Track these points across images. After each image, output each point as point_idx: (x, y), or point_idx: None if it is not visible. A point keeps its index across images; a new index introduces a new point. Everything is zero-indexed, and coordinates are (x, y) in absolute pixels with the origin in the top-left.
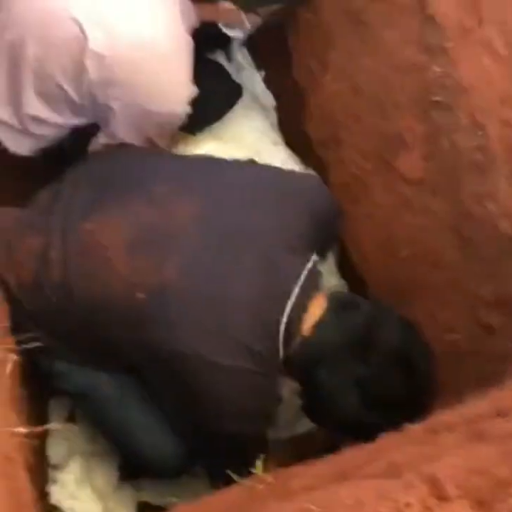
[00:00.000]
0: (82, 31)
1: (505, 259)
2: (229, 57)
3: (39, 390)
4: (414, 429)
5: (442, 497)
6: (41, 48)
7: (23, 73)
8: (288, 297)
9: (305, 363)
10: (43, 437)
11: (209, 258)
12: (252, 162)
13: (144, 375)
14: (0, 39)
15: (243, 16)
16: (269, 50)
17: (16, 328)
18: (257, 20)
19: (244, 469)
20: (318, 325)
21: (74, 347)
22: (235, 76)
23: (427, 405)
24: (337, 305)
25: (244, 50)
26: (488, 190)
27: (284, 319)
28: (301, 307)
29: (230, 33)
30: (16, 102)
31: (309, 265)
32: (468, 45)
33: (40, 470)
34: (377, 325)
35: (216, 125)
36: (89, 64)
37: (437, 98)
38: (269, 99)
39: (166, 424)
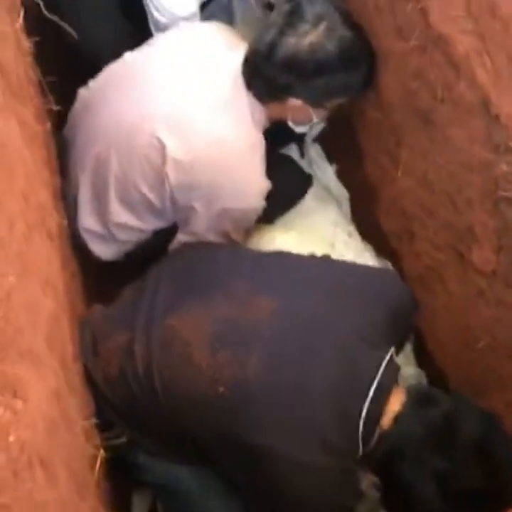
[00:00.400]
0: (161, 141)
1: None
2: (302, 153)
3: (123, 481)
4: None
5: None
6: (125, 159)
7: (108, 184)
8: (367, 391)
9: (385, 457)
10: None
11: (289, 353)
12: (326, 257)
13: (227, 468)
14: (84, 154)
15: (311, 111)
16: (340, 144)
17: (103, 423)
18: (325, 114)
19: None
20: (398, 418)
21: (158, 440)
22: (307, 169)
23: (509, 498)
24: (416, 398)
25: (317, 145)
26: None
27: (364, 413)
28: (380, 401)
29: (298, 129)
30: (101, 211)
31: (387, 359)
32: None
33: None
34: (456, 417)
35: (291, 217)
36: (170, 171)
37: (506, 194)
38: (342, 192)
39: None
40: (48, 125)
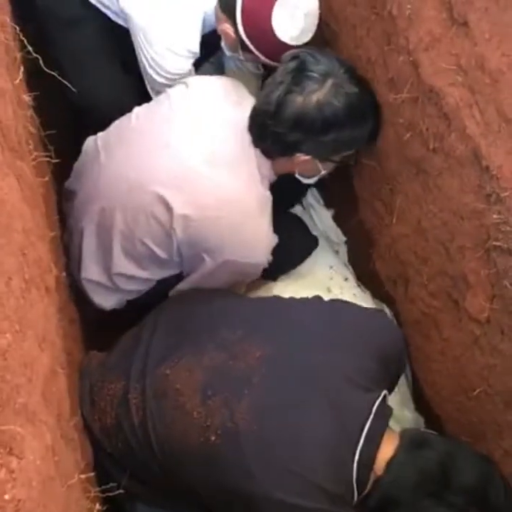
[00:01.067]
0: (165, 199)
1: None
2: (303, 204)
3: None
4: None
5: None
6: (129, 216)
7: (113, 237)
8: (359, 435)
9: (379, 503)
10: None
11: (280, 400)
12: (318, 298)
13: None
14: (88, 208)
15: (319, 164)
16: (337, 190)
17: (101, 475)
18: (333, 167)
19: None
20: (391, 463)
21: (156, 490)
22: (306, 218)
23: None
24: (409, 442)
25: (314, 190)
26: None
27: (356, 459)
28: (371, 447)
29: (305, 181)
30: (105, 262)
31: (377, 403)
32: None
33: None
34: (452, 462)
35: None
36: (178, 227)
37: (497, 243)
38: (339, 236)
39: None
40: (48, 177)
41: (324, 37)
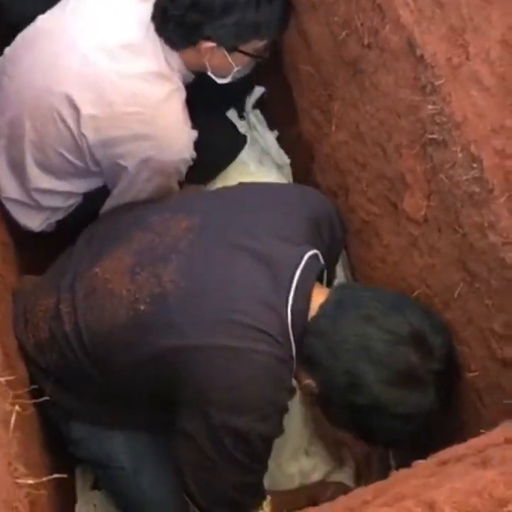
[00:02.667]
0: (73, 100)
1: (511, 290)
2: (241, 116)
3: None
4: (425, 463)
5: None
6: (38, 122)
7: (25, 149)
8: (290, 283)
9: (315, 338)
10: (72, 503)
11: (208, 257)
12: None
13: (158, 405)
14: (1, 120)
15: (228, 56)
16: (280, 110)
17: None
18: (245, 61)
19: None
20: (323, 306)
21: (90, 402)
22: (247, 134)
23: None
24: (343, 292)
25: (257, 111)
26: (489, 221)
27: (290, 302)
28: (304, 291)
29: (219, 80)
30: (21, 178)
31: (309, 254)
32: (458, 80)
33: None
34: (393, 309)
35: (232, 182)
36: (86, 130)
37: (433, 136)
38: (282, 157)
39: (179, 497)
40: None
41: None
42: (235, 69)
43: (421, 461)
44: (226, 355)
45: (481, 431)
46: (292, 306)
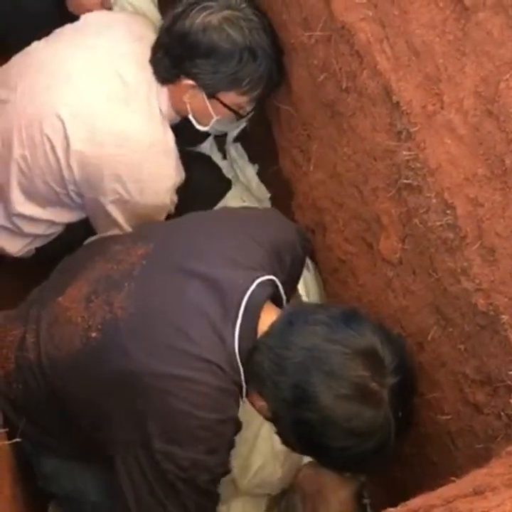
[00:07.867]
0: (66, 132)
1: (483, 336)
2: (224, 155)
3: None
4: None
5: None
6: (28, 151)
7: (11, 172)
8: (238, 309)
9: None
10: None
11: (158, 283)
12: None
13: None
14: None
15: (207, 101)
16: (261, 144)
17: (5, 424)
18: (224, 112)
19: None
20: (273, 324)
21: (56, 435)
22: (228, 171)
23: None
24: (293, 310)
25: (238, 145)
26: (462, 267)
27: (237, 330)
28: (252, 317)
29: (199, 127)
30: (4, 202)
31: (260, 280)
32: (432, 128)
33: None
34: (343, 322)
35: None
36: (73, 163)
37: (408, 181)
38: (263, 191)
39: None
40: None
41: None
42: (214, 118)
43: (391, 510)
44: (165, 382)
45: (452, 478)
46: (240, 330)
